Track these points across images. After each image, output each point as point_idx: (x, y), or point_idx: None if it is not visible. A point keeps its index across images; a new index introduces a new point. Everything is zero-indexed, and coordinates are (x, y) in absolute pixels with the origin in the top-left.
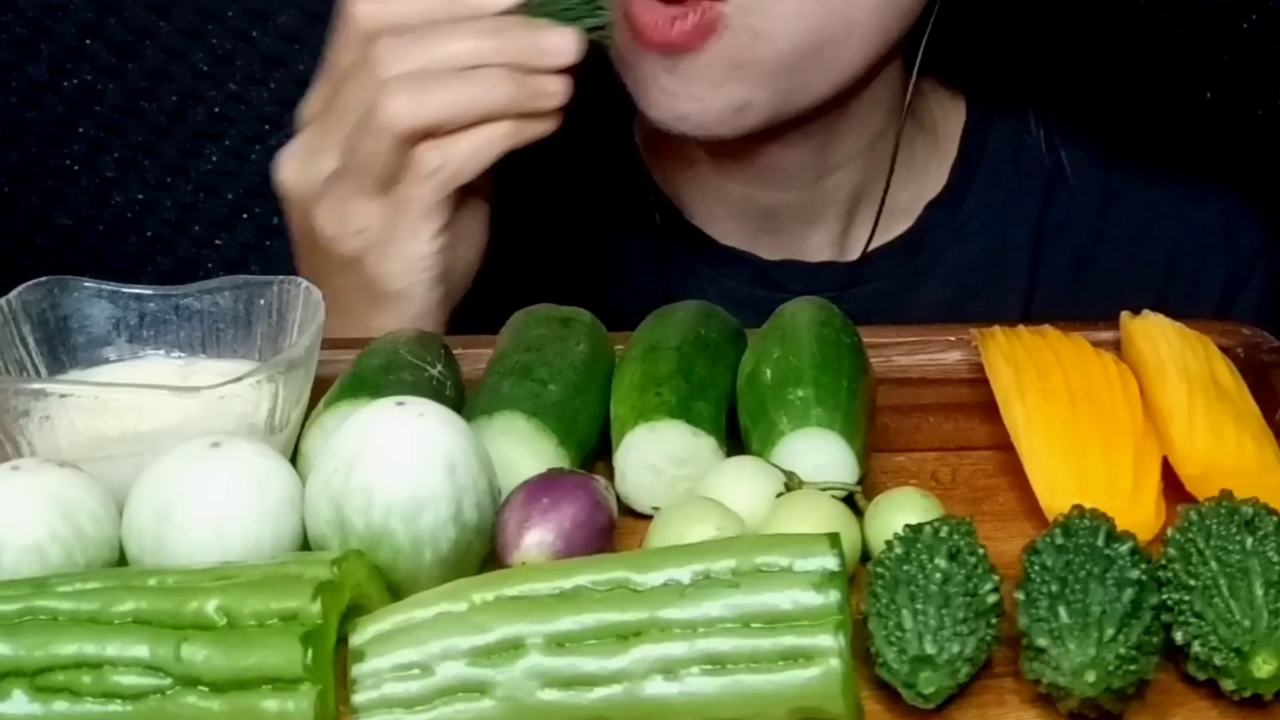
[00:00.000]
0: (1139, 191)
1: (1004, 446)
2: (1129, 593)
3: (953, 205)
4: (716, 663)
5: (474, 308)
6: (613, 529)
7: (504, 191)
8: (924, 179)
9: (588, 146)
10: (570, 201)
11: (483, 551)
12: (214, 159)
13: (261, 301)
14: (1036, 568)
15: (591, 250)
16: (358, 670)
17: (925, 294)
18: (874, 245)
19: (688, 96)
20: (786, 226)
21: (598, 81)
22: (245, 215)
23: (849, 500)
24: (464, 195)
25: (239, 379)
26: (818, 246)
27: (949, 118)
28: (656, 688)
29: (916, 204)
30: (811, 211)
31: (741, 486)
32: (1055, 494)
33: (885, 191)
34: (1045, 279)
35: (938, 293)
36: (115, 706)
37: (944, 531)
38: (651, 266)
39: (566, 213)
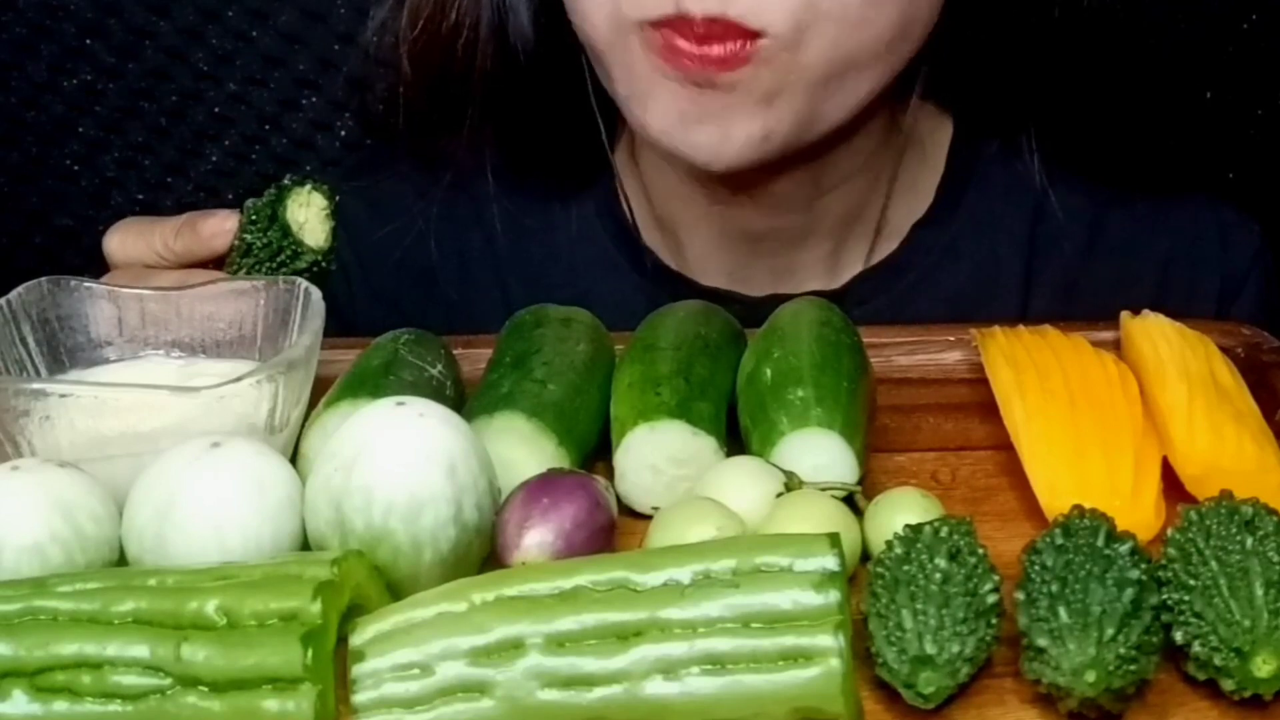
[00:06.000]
0: (1130, 204)
1: (1004, 446)
2: (1129, 593)
3: (941, 224)
4: (716, 663)
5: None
6: (613, 529)
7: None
8: (912, 197)
9: (570, 187)
10: (551, 247)
11: (483, 551)
12: (214, 159)
13: (261, 302)
14: (1036, 568)
15: (570, 296)
16: (358, 670)
17: (915, 316)
18: (861, 268)
19: (714, 125)
20: (778, 251)
21: (579, 121)
22: None
23: (849, 500)
24: None
25: (239, 379)
26: (806, 267)
27: (936, 134)
28: (656, 688)
29: (905, 222)
30: (804, 234)
31: (741, 486)
32: (1055, 494)
33: (882, 214)
34: (1038, 294)
35: (928, 314)
36: (115, 706)
37: (944, 531)
38: (633, 313)
39: (547, 258)
